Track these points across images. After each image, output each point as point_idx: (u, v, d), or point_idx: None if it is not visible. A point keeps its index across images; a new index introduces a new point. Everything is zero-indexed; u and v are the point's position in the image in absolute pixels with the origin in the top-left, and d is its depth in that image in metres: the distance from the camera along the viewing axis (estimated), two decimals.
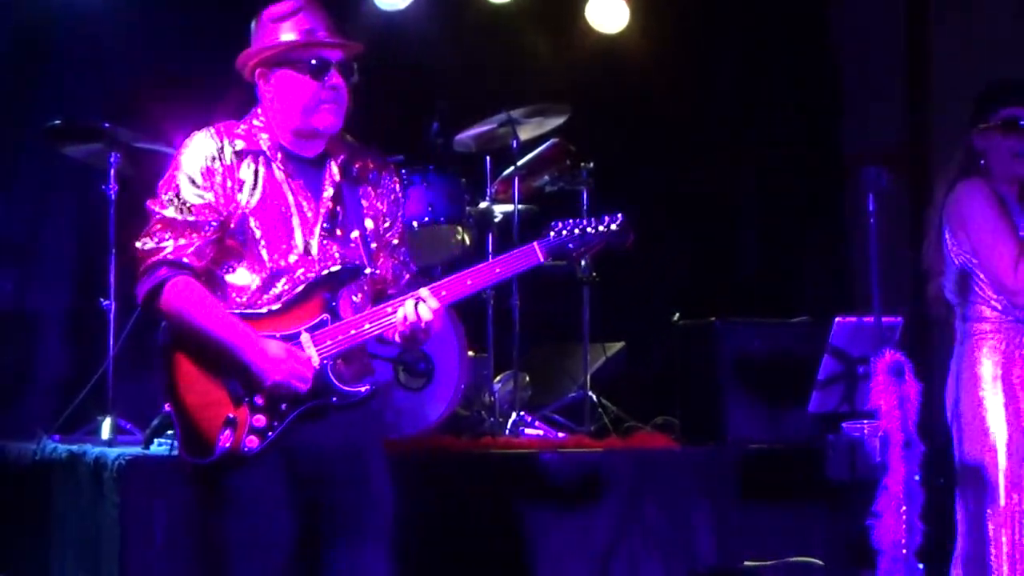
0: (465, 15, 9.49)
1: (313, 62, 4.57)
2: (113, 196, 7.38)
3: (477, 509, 6.76)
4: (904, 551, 5.54)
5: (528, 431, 7.72)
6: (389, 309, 4.57)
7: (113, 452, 6.41)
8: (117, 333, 7.24)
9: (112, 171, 7.43)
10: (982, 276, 5.45)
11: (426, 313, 4.52)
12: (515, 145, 8.13)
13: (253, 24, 4.71)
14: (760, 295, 10.00)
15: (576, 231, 4.69)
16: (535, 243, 4.68)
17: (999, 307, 5.43)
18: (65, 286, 8.47)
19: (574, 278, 8.25)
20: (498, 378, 8.16)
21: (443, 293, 4.58)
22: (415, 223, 7.83)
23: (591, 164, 8.22)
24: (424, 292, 4.56)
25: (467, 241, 7.97)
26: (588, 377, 8.21)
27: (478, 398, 8.01)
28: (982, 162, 5.47)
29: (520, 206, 8.03)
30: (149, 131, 7.49)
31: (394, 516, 4.69)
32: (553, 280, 8.24)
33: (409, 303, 4.54)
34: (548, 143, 8.38)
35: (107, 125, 7.44)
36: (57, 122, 7.53)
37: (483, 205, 8.20)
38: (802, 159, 10.45)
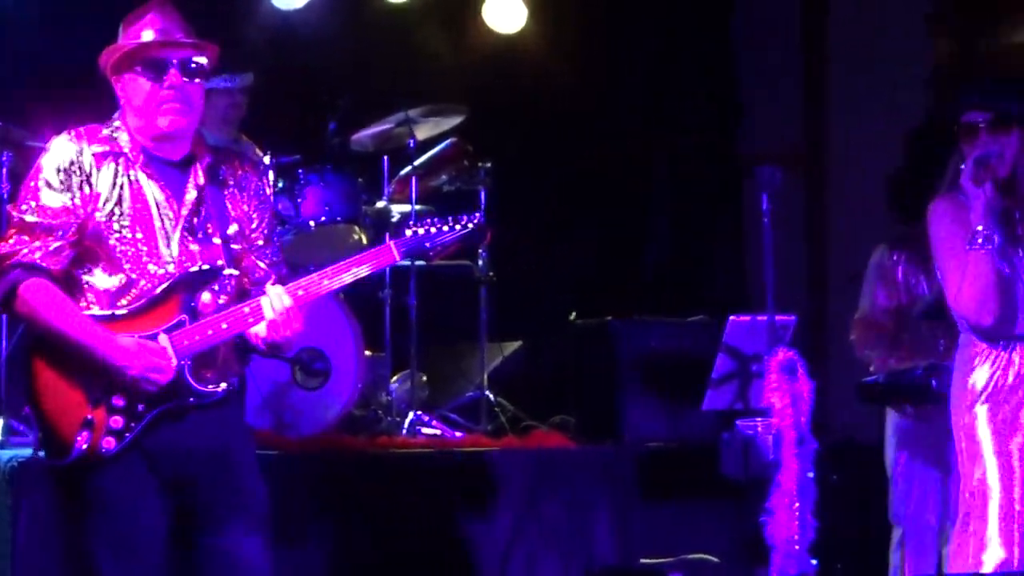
0: (362, 14, 9.46)
1: (151, 63, 4.57)
2: (5, 196, 7.27)
3: (374, 509, 6.75)
4: (797, 547, 5.60)
5: (425, 431, 7.71)
6: (246, 309, 4.57)
7: (5, 454, 6.32)
8: (9, 334, 7.14)
9: (4, 171, 7.31)
10: None
11: (280, 312, 4.51)
12: (412, 145, 8.12)
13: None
14: (664, 291, 10.07)
15: (432, 230, 4.72)
16: (391, 242, 4.71)
17: None
18: None
19: (471, 277, 8.26)
20: (395, 378, 8.14)
21: (300, 292, 4.59)
22: (312, 223, 7.80)
23: (488, 164, 8.23)
24: (279, 290, 4.56)
25: (364, 241, 7.94)
26: (485, 376, 8.21)
27: (375, 397, 7.99)
28: (962, 166, 5.28)
29: (417, 206, 8.01)
30: (43, 130, 7.38)
31: (267, 513, 4.69)
32: (450, 279, 8.25)
33: (265, 302, 4.54)
34: (445, 143, 8.37)
35: None
36: None
37: (380, 205, 8.18)
38: (707, 158, 10.55)
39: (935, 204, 5.33)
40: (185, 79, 4.57)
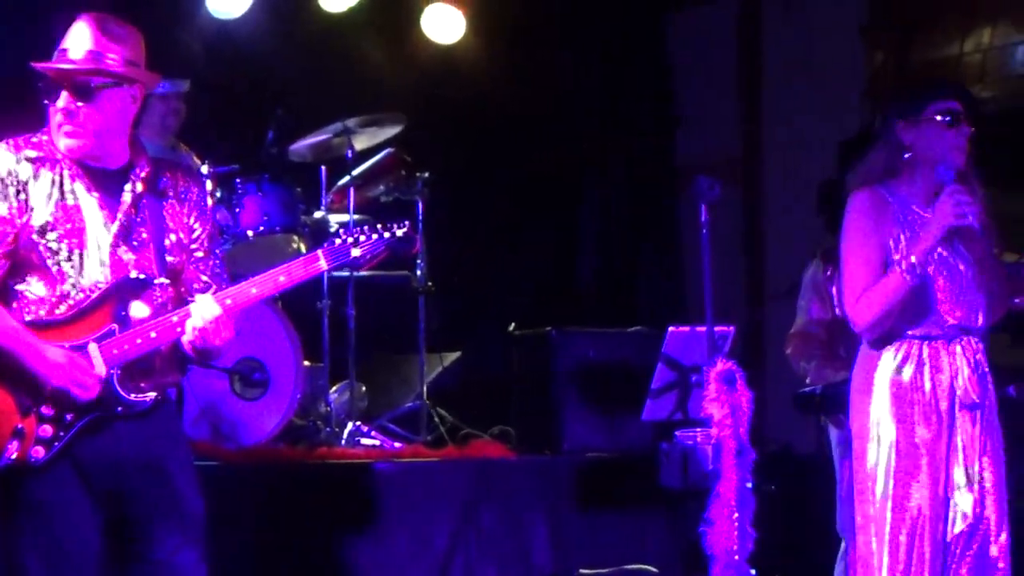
0: (301, 24, 9.43)
1: (47, 84, 4.52)
2: None
3: (314, 520, 6.73)
4: (736, 557, 5.63)
5: (364, 441, 7.70)
6: (175, 318, 4.54)
7: None
8: None
9: None
10: None
11: (208, 320, 4.51)
12: (350, 155, 8.11)
13: None
14: (602, 303, 10.11)
15: (361, 238, 4.71)
16: (319, 250, 4.70)
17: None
18: None
19: (410, 287, 8.26)
20: (334, 388, 8.13)
21: (228, 301, 4.56)
22: (250, 232, 7.77)
23: (426, 174, 8.23)
24: (207, 298, 4.55)
25: (303, 250, 7.91)
26: (424, 387, 8.20)
27: (314, 408, 7.97)
28: (907, 155, 5.25)
29: (355, 216, 8.00)
30: None
31: (204, 525, 4.66)
32: (389, 290, 8.24)
33: (193, 308, 4.53)
34: (383, 153, 8.36)
35: None
36: None
37: (318, 215, 8.16)
38: (643, 169, 10.59)
39: (858, 194, 5.26)
40: (80, 103, 4.51)
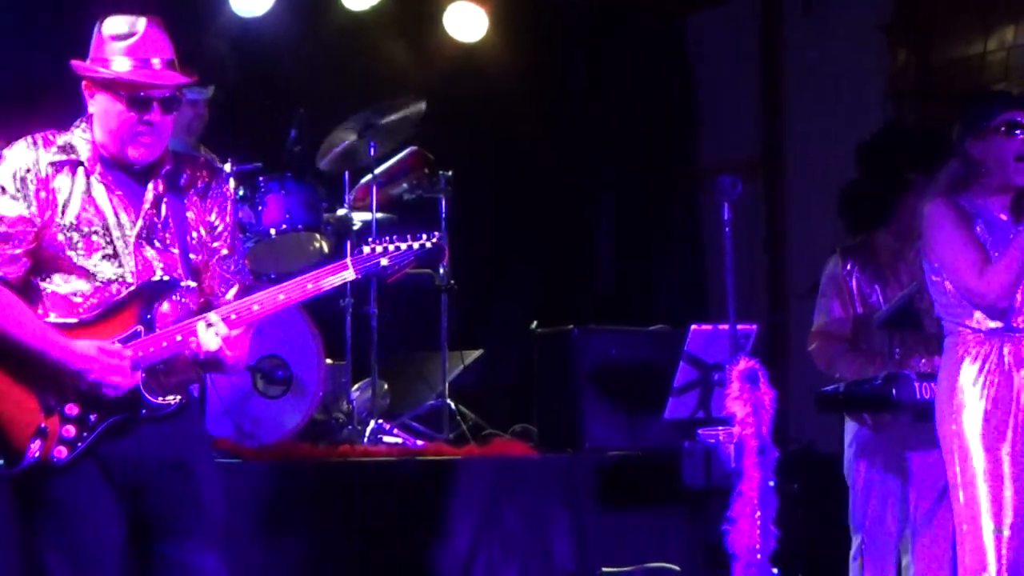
0: (324, 22, 9.44)
1: (138, 94, 4.48)
2: None
3: (335, 518, 6.74)
4: (758, 556, 5.62)
5: (387, 439, 7.70)
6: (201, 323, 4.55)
7: None
8: None
9: None
10: (951, 289, 5.38)
11: (209, 349, 4.47)
12: (372, 152, 8.12)
13: (95, 28, 4.59)
14: (624, 301, 10.10)
15: (390, 247, 4.69)
16: (348, 259, 4.67)
17: (979, 325, 5.34)
18: None
19: (432, 286, 8.25)
20: (356, 386, 8.13)
21: (255, 307, 4.55)
22: (273, 231, 7.76)
23: (449, 172, 8.23)
24: (205, 331, 4.51)
25: (325, 249, 7.93)
26: (446, 385, 8.20)
27: (336, 406, 7.98)
28: (979, 169, 5.43)
29: (379, 214, 8.01)
30: None
31: (224, 527, 4.66)
32: (411, 288, 8.24)
33: (200, 333, 4.49)
34: (406, 151, 8.37)
35: None
36: None
37: (341, 212, 8.16)
38: (665, 169, 10.59)
39: (935, 205, 5.42)
40: (165, 114, 4.52)
